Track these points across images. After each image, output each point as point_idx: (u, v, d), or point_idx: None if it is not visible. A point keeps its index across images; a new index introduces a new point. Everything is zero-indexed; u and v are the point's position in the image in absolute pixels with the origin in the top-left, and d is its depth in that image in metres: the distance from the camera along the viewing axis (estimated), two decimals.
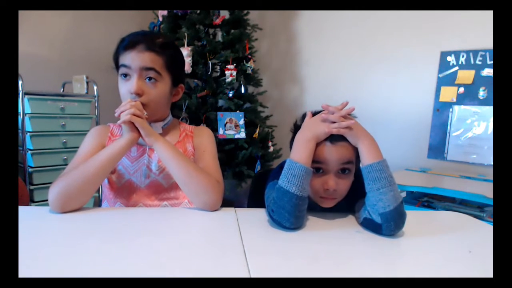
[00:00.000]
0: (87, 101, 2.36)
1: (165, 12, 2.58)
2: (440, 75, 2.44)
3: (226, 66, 2.47)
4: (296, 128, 0.84)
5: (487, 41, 2.23)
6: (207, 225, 0.80)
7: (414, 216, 0.87)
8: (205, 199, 0.85)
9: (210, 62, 2.47)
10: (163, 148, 0.86)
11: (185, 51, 2.33)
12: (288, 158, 0.78)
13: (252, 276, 0.53)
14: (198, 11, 2.49)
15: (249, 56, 2.60)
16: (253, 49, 2.71)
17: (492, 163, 2.27)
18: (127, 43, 0.87)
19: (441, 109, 2.45)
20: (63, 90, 2.57)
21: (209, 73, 2.48)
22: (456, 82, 2.37)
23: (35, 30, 2.52)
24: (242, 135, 2.46)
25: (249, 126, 2.59)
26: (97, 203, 2.21)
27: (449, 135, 2.42)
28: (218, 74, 2.65)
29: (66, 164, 1.15)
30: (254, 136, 2.57)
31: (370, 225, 0.76)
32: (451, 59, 2.38)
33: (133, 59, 0.86)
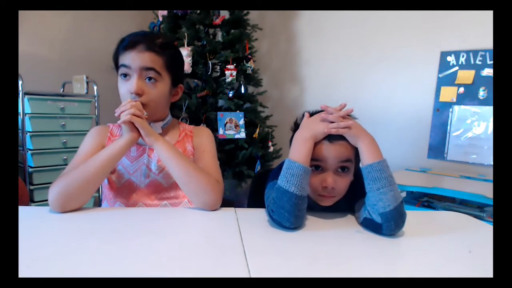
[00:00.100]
0: (87, 101, 2.36)
1: (165, 12, 2.58)
2: (440, 75, 2.44)
3: (226, 66, 2.47)
4: (296, 127, 0.84)
5: (487, 41, 2.23)
6: (207, 225, 0.80)
7: (414, 216, 0.87)
8: (204, 199, 0.85)
9: (210, 62, 2.47)
10: (163, 148, 0.86)
11: (185, 51, 2.33)
12: (286, 158, 0.78)
13: (252, 276, 0.53)
14: (198, 11, 2.49)
15: (249, 56, 2.60)
16: (253, 49, 2.71)
17: (492, 163, 2.27)
18: (127, 43, 0.87)
19: (441, 109, 2.45)
20: (63, 90, 2.57)
21: (209, 73, 2.48)
22: (456, 82, 2.37)
23: (35, 30, 2.52)
24: (242, 135, 2.46)
25: (249, 126, 2.59)
26: (97, 203, 2.21)
27: (449, 135, 2.42)
28: (218, 74, 2.65)
29: (66, 164, 1.15)
30: (254, 136, 2.57)
31: (370, 225, 0.76)
32: (451, 59, 2.38)
33: (133, 59, 0.87)
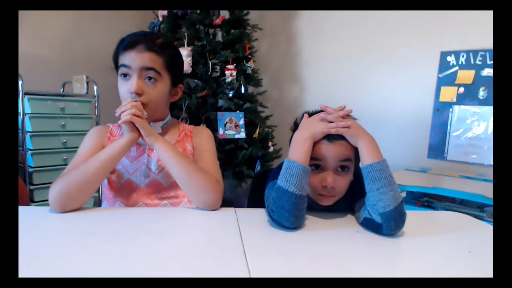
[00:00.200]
0: (87, 101, 2.36)
1: (165, 12, 2.58)
2: (440, 75, 2.44)
3: (226, 66, 2.47)
4: (296, 126, 0.84)
5: (487, 41, 2.23)
6: (207, 225, 0.80)
7: (414, 216, 0.87)
8: (204, 199, 0.86)
9: (210, 62, 2.47)
10: (163, 148, 0.87)
11: (185, 51, 2.33)
12: (286, 158, 0.78)
13: (252, 276, 0.53)
14: (198, 11, 2.49)
15: (249, 56, 2.60)
16: (253, 49, 2.71)
17: (492, 163, 2.27)
18: (127, 43, 0.88)
19: (441, 109, 2.45)
20: (63, 90, 2.57)
21: (209, 73, 2.48)
22: (456, 82, 2.37)
23: (35, 30, 2.52)
24: (242, 135, 2.46)
25: (249, 126, 2.59)
26: (97, 203, 2.21)
27: (449, 135, 2.42)
28: (218, 74, 2.65)
29: (66, 164, 1.15)
30: (254, 136, 2.57)
31: (370, 225, 0.76)
32: (451, 59, 2.38)
33: (133, 59, 0.87)
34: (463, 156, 2.38)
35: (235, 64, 2.49)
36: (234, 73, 2.46)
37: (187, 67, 2.34)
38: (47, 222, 0.75)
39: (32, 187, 2.09)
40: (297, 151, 0.76)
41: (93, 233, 0.69)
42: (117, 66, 0.91)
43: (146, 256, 0.59)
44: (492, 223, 0.81)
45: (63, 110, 2.20)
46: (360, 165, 0.78)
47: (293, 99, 3.18)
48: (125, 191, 0.94)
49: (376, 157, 0.75)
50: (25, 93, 2.04)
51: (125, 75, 0.89)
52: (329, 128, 0.76)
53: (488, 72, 2.26)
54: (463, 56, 2.33)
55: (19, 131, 2.05)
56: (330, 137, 0.78)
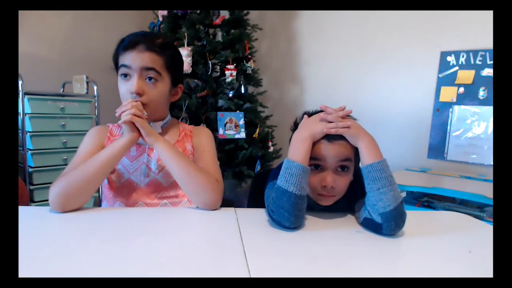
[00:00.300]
0: (87, 101, 2.36)
1: (165, 12, 2.58)
2: (440, 75, 2.44)
3: (226, 66, 2.47)
4: (296, 126, 0.84)
5: (487, 41, 2.23)
6: (207, 225, 0.80)
7: (414, 216, 0.87)
8: (204, 199, 0.86)
9: (210, 62, 2.47)
10: (163, 148, 0.87)
11: (185, 51, 2.33)
12: (285, 158, 0.78)
13: (252, 276, 0.53)
14: (198, 11, 2.49)
15: (249, 56, 2.60)
16: (253, 49, 2.71)
17: (492, 163, 2.27)
18: (127, 43, 0.88)
19: (441, 109, 2.45)
20: (63, 90, 2.57)
21: (209, 73, 2.48)
22: (456, 82, 2.37)
23: (35, 30, 2.52)
24: (242, 135, 2.46)
25: (249, 126, 2.59)
26: (97, 203, 2.21)
27: (449, 135, 2.42)
28: (218, 74, 2.65)
29: (66, 164, 1.15)
30: (254, 136, 2.57)
31: (370, 225, 0.76)
32: (451, 59, 2.38)
33: (133, 59, 0.87)
34: (463, 156, 2.38)
35: (235, 64, 2.49)
36: (234, 73, 2.46)
37: (187, 67, 2.34)
38: (47, 222, 0.75)
39: (32, 187, 2.09)
40: (296, 151, 0.76)
41: (93, 233, 0.69)
42: (117, 66, 0.91)
43: (146, 256, 0.59)
44: (492, 223, 0.81)
45: (63, 110, 2.20)
46: (360, 165, 0.78)
47: (293, 99, 3.18)
48: (125, 190, 0.94)
49: (376, 157, 0.75)
50: (25, 93, 2.04)
51: (125, 75, 0.89)
52: (329, 128, 0.76)
53: (488, 72, 2.26)
54: (463, 56, 2.33)
55: (19, 131, 2.06)
56: (329, 137, 0.78)
